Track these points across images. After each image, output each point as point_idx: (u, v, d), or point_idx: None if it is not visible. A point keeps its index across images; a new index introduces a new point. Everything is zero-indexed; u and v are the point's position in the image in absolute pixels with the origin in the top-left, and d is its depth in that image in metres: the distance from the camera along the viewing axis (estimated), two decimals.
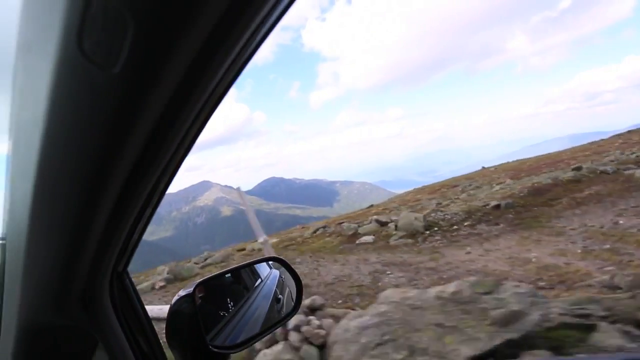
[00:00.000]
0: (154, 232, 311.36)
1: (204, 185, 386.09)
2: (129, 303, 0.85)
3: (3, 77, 0.48)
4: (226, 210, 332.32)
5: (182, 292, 0.79)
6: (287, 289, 1.11)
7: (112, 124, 0.43)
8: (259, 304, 1.02)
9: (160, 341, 0.87)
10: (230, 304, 0.94)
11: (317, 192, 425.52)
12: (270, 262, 1.15)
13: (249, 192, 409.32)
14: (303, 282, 1.08)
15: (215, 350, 0.76)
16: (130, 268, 0.82)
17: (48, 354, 0.85)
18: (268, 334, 0.93)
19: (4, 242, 0.71)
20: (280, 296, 1.09)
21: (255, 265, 1.08)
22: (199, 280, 0.83)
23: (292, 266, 1.12)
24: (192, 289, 0.79)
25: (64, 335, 0.84)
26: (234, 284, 1.00)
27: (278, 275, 1.14)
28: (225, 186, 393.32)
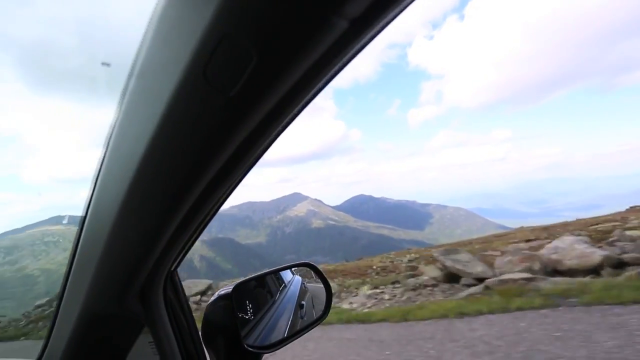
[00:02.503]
0: (247, 236, 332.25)
1: (295, 197, 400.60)
2: (177, 300, 0.91)
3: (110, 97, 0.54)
4: (315, 223, 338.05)
5: (221, 292, 0.83)
6: (310, 295, 1.15)
7: (211, 140, 0.49)
8: (285, 308, 1.06)
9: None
10: (261, 305, 0.98)
11: (408, 214, 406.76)
12: (293, 269, 1.16)
13: (337, 208, 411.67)
14: None
15: (250, 349, 0.79)
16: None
17: (100, 341, 0.94)
18: (300, 336, 0.97)
19: (80, 230, 0.76)
20: (303, 302, 1.12)
21: (282, 271, 1.11)
22: (237, 281, 0.87)
23: (322, 271, 1.14)
24: (230, 289, 0.82)
25: (117, 325, 0.92)
26: (261, 287, 1.04)
27: (301, 282, 1.18)
28: (315, 199, 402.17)
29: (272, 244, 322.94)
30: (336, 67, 0.45)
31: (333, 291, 1.20)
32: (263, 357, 0.87)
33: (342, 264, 14.79)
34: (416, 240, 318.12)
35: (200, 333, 0.84)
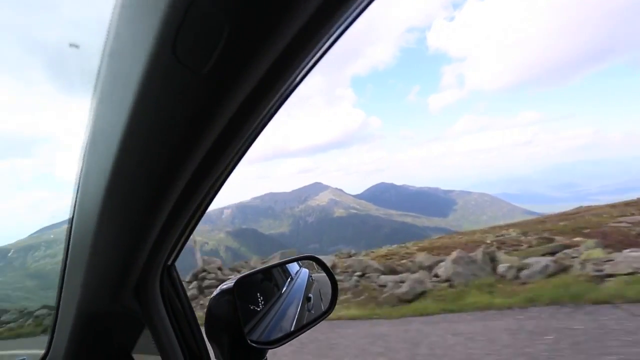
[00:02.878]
0: (270, 227, 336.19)
1: (316, 187, 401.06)
2: (176, 295, 0.89)
3: (84, 82, 0.51)
4: (337, 212, 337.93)
5: (223, 287, 0.81)
6: (317, 288, 1.12)
7: (192, 123, 0.45)
8: (291, 302, 1.03)
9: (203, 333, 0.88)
10: (264, 300, 0.95)
11: (431, 201, 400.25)
12: (300, 261, 1.14)
13: (358, 196, 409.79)
14: None
15: (254, 345, 0.77)
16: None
17: (101, 337, 0.93)
18: (305, 331, 0.94)
19: (70, 227, 0.74)
20: (310, 295, 1.09)
21: (287, 264, 1.09)
22: (239, 275, 0.85)
23: (328, 266, 1.12)
24: (232, 284, 0.80)
25: (115, 323, 0.91)
26: (267, 281, 1.01)
27: (307, 274, 1.15)
28: (336, 189, 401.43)
29: (295, 233, 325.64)
30: (328, 39, 0.40)
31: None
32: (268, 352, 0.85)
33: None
34: (440, 227, 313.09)
35: (203, 328, 0.82)
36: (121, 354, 0.99)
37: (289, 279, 1.09)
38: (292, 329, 0.93)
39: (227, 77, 0.40)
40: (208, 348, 0.88)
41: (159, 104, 0.45)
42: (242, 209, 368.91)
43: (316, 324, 0.99)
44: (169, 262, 0.82)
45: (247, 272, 0.89)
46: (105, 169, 0.55)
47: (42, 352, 1.05)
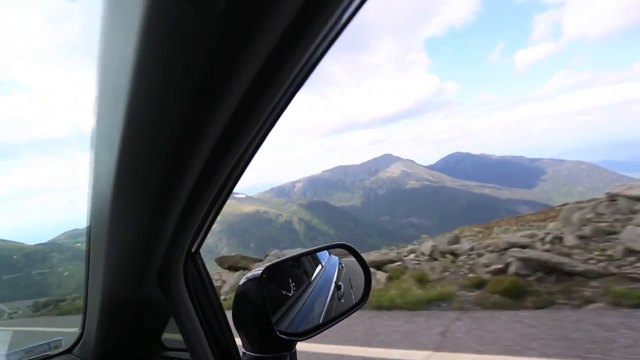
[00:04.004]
0: (341, 199, 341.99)
1: (386, 159, 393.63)
2: (201, 283, 0.87)
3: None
4: (409, 184, 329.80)
5: (250, 275, 0.80)
6: (348, 277, 1.09)
7: (205, 82, 0.38)
8: (320, 291, 1.00)
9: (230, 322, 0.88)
10: (293, 290, 0.93)
11: (513, 171, 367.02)
12: (331, 248, 1.10)
13: (430, 167, 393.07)
14: None
15: (282, 336, 0.76)
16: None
17: (127, 325, 0.95)
18: (336, 323, 0.91)
19: (89, 214, 0.75)
20: (340, 283, 1.06)
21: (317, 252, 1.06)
22: (267, 264, 0.83)
23: (360, 253, 1.08)
24: (260, 272, 0.78)
25: (143, 309, 0.91)
26: (296, 270, 0.99)
27: (338, 262, 1.11)
28: (408, 160, 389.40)
29: (366, 206, 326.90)
30: None
31: None
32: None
33: None
34: (524, 200, 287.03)
35: (232, 316, 0.80)
36: (151, 338, 1.00)
37: (319, 268, 1.06)
38: (321, 321, 0.91)
39: (245, 19, 0.32)
40: (235, 337, 0.87)
41: (167, 61, 0.38)
42: (313, 182, 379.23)
43: (348, 316, 0.96)
44: (193, 250, 0.80)
45: (276, 260, 0.87)
46: (113, 146, 0.51)
47: (78, 331, 1.11)
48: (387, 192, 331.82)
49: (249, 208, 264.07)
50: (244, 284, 0.78)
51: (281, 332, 0.76)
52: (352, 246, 1.08)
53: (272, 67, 0.37)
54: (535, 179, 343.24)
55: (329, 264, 1.09)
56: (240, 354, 0.79)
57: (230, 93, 0.39)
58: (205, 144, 0.46)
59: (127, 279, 0.79)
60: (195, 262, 0.85)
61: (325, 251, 1.08)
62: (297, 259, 0.97)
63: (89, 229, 0.77)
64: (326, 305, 0.97)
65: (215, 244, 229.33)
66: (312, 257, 1.04)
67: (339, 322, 0.92)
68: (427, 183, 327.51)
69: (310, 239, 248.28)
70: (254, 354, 0.75)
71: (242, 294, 0.78)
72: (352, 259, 1.08)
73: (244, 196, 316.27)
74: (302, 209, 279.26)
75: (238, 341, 0.84)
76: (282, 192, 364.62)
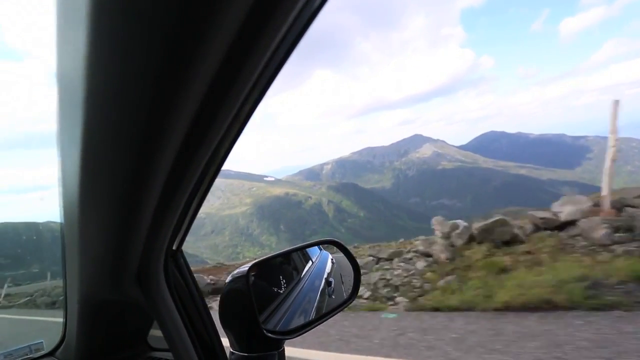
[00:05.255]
0: (369, 181, 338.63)
1: (416, 139, 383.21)
2: (184, 282, 0.85)
3: None
4: (440, 164, 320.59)
5: (236, 272, 0.77)
6: (339, 273, 1.08)
7: (167, 68, 0.35)
8: (310, 288, 0.99)
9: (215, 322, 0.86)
10: (281, 287, 0.91)
11: (552, 150, 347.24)
12: (320, 245, 1.09)
13: (463, 147, 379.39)
14: None
15: (269, 335, 0.74)
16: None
17: (110, 326, 0.91)
18: (324, 321, 0.90)
19: (60, 212, 0.70)
20: (331, 279, 1.05)
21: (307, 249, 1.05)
22: (253, 261, 0.81)
23: (349, 249, 1.08)
24: (246, 269, 0.76)
25: (124, 310, 0.88)
26: (285, 267, 0.97)
27: (328, 258, 1.11)
28: (438, 140, 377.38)
29: (395, 187, 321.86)
30: None
31: None
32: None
33: None
34: (566, 180, 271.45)
35: (218, 315, 0.78)
36: (136, 339, 0.97)
37: (310, 264, 1.05)
38: (311, 317, 0.90)
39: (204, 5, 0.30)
40: (223, 337, 0.85)
41: (123, 49, 0.35)
42: (342, 164, 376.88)
43: (337, 313, 0.95)
44: (174, 247, 0.78)
45: (262, 257, 0.85)
46: (77, 143, 0.47)
47: (58, 336, 1.06)
48: (417, 174, 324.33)
49: (278, 191, 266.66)
50: (230, 282, 0.77)
51: (269, 331, 0.75)
52: (341, 242, 1.08)
53: (242, 48, 0.34)
54: (579, 159, 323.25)
55: (320, 260, 1.08)
56: (228, 353, 0.77)
57: (196, 79, 0.36)
58: (175, 136, 0.43)
59: (104, 279, 0.75)
60: (177, 261, 0.83)
61: (316, 247, 1.07)
62: (286, 255, 0.96)
63: (62, 227, 0.74)
64: (316, 302, 0.96)
65: (247, 226, 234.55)
66: (302, 253, 1.03)
67: (327, 319, 0.91)
68: (459, 164, 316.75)
69: (340, 220, 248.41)
70: (241, 354, 0.73)
71: (228, 292, 0.77)
72: (341, 254, 1.08)
73: (272, 179, 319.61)
74: (331, 191, 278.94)
75: (225, 341, 0.82)
76: (311, 174, 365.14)
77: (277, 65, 0.40)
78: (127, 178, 0.50)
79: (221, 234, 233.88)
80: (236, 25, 0.32)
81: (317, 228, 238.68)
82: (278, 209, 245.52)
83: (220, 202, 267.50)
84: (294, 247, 0.97)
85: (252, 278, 0.76)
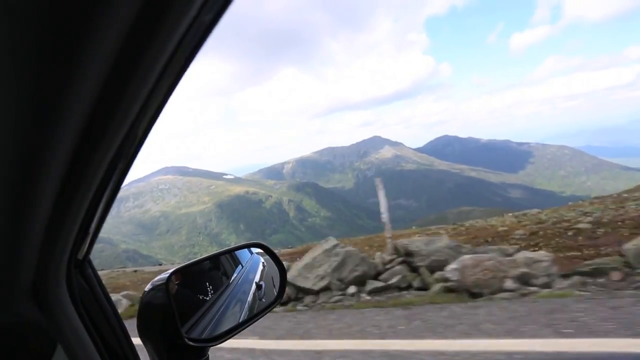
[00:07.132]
0: (329, 181, 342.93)
1: (375, 141, 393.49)
2: (93, 295, 0.75)
3: None
4: (396, 166, 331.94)
5: (155, 280, 0.72)
6: (270, 276, 1.06)
7: (52, 72, 0.31)
8: (240, 292, 0.97)
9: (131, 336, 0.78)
10: (209, 293, 0.87)
11: (499, 155, 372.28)
12: (251, 248, 1.08)
13: (419, 150, 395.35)
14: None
15: (192, 343, 0.70)
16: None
17: (4, 355, 0.75)
18: (251, 324, 0.87)
19: None
20: (261, 283, 1.04)
21: (235, 252, 1.03)
22: (174, 267, 0.77)
23: (275, 251, 1.08)
24: (166, 277, 0.72)
25: (18, 334, 0.74)
26: (212, 272, 0.94)
27: (260, 261, 1.09)
28: (396, 142, 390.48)
29: (355, 187, 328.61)
30: None
31: None
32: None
33: None
34: (509, 183, 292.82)
35: (136, 327, 0.72)
36: None
37: (239, 268, 1.03)
38: (239, 321, 0.87)
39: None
40: (139, 351, 0.79)
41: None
42: (302, 163, 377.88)
43: (264, 314, 0.94)
44: (79, 257, 0.68)
45: (185, 263, 0.81)
46: None
47: None
48: (377, 174, 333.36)
49: (238, 189, 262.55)
50: (148, 291, 0.72)
51: (193, 339, 0.71)
52: (267, 245, 1.07)
53: (138, 42, 0.31)
54: (522, 163, 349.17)
55: (251, 264, 1.06)
56: None
57: (87, 75, 0.32)
58: (66, 137, 0.37)
59: None
60: (83, 271, 0.74)
61: (247, 251, 1.06)
62: (212, 259, 0.93)
63: None
64: (247, 306, 0.94)
65: (205, 225, 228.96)
66: (231, 257, 1.01)
67: (254, 322, 0.89)
68: (414, 166, 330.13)
69: (300, 220, 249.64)
70: None
71: (147, 304, 0.72)
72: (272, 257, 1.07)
73: (232, 177, 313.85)
74: (291, 190, 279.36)
75: (145, 356, 0.75)
76: (271, 173, 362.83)
77: (186, 59, 0.37)
78: (8, 184, 0.43)
79: (177, 234, 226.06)
80: (131, 20, 0.29)
81: (277, 227, 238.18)
82: (238, 207, 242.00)
83: (176, 200, 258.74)
84: (220, 251, 0.94)
85: (175, 286, 0.71)
